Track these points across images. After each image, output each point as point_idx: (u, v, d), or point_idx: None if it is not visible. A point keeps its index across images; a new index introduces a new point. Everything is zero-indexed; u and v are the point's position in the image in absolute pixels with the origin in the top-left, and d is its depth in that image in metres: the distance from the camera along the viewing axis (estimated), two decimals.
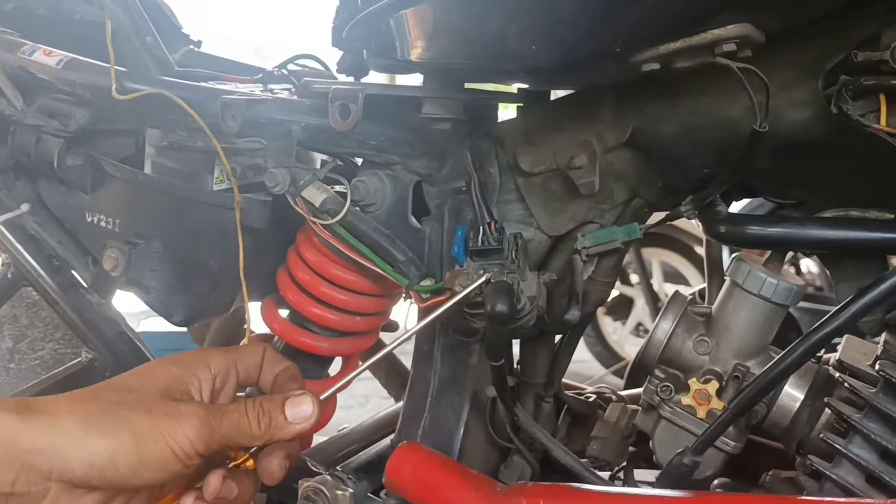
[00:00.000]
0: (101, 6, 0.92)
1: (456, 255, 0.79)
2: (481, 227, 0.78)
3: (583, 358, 3.72)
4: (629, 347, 3.76)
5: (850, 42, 0.69)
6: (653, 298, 3.68)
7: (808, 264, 3.71)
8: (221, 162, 0.90)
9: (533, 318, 0.79)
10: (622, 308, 3.94)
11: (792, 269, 3.67)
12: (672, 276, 3.78)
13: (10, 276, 1.02)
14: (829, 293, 3.27)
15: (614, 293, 3.92)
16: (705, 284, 1.07)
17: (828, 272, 0.82)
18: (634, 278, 3.83)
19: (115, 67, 0.88)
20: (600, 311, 3.78)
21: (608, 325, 3.91)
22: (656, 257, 3.77)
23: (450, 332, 0.90)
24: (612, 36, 0.64)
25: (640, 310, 3.82)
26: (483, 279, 0.75)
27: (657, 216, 0.91)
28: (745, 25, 0.63)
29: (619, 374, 3.23)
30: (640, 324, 3.89)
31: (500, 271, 0.76)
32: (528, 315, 0.78)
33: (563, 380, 1.02)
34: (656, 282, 3.78)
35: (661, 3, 0.63)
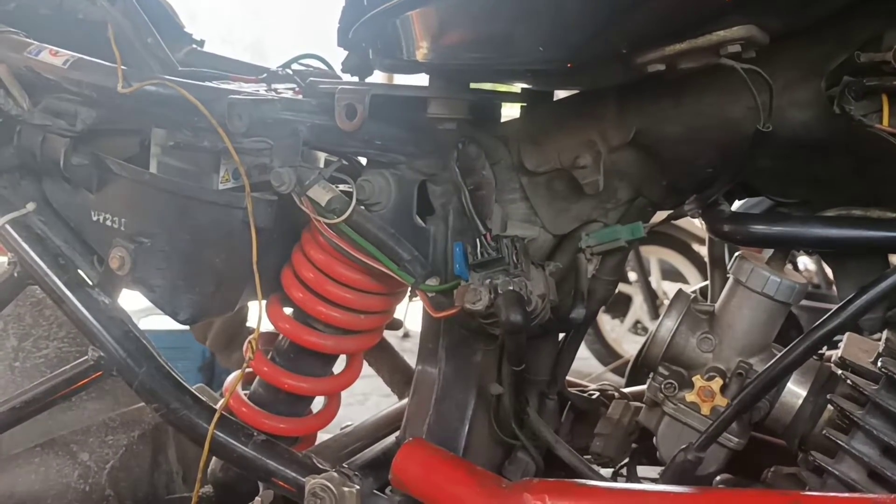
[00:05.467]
0: (102, 8, 0.92)
1: (459, 272, 0.80)
2: (478, 240, 0.79)
3: (581, 355, 3.71)
4: (627, 345, 3.77)
5: (853, 43, 0.70)
6: (651, 296, 3.68)
7: (806, 262, 3.72)
8: (227, 161, 0.91)
9: (547, 313, 0.80)
10: (620, 306, 3.94)
11: (789, 267, 3.68)
12: (670, 273, 3.79)
13: (15, 274, 1.02)
14: (827, 291, 3.28)
15: None
16: (706, 282, 1.07)
17: (829, 270, 0.83)
18: (633, 276, 3.83)
19: (121, 67, 0.89)
20: None
21: (606, 322, 3.92)
22: (654, 255, 3.78)
23: (455, 330, 0.91)
24: (618, 38, 0.65)
25: (639, 307, 3.83)
26: None
27: (661, 215, 0.92)
28: (749, 27, 0.64)
29: (617, 371, 3.24)
30: (638, 321, 3.90)
31: (505, 280, 0.77)
32: (543, 312, 0.79)
33: (566, 378, 1.02)
34: (654, 280, 3.79)
35: (667, 5, 0.63)
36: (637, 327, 3.87)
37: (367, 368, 1.29)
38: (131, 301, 1.04)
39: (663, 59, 0.66)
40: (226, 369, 1.75)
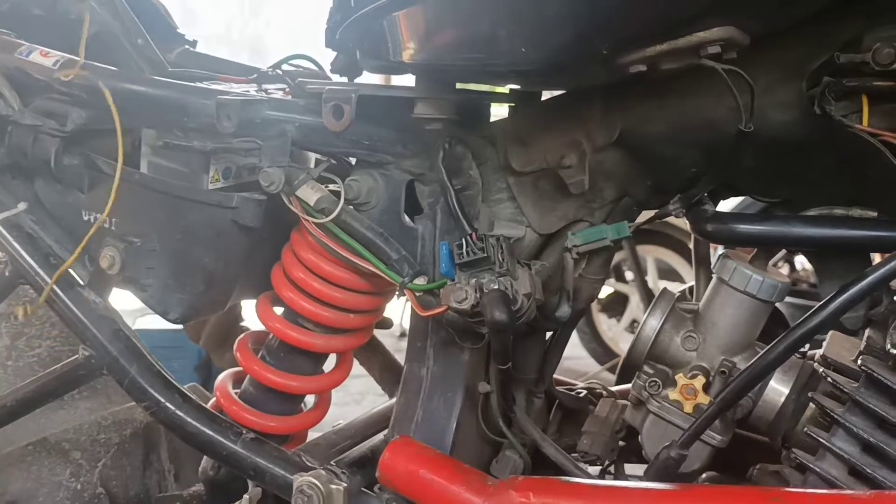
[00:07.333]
0: (91, 9, 0.93)
1: (445, 272, 0.81)
2: (464, 240, 0.80)
3: (578, 355, 3.74)
4: (624, 344, 3.77)
5: (833, 44, 0.71)
6: (647, 295, 3.68)
7: (803, 261, 3.73)
8: (216, 161, 0.91)
9: (533, 312, 0.80)
10: (617, 305, 3.95)
11: (786, 266, 3.69)
12: (667, 272, 3.79)
13: (7, 274, 1.03)
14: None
15: (609, 290, 3.94)
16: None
17: (814, 270, 0.84)
18: (629, 275, 3.84)
19: (109, 67, 0.90)
20: (595, 308, 3.79)
21: (603, 321, 3.93)
22: (651, 254, 3.78)
23: (443, 328, 0.92)
24: (598, 38, 0.66)
25: (635, 307, 3.84)
26: None
27: (647, 214, 0.92)
28: (729, 28, 0.65)
29: (613, 370, 3.25)
30: (634, 321, 3.90)
31: (491, 279, 0.77)
32: (528, 311, 0.79)
33: (555, 376, 1.03)
34: (651, 279, 3.80)
35: (645, 6, 0.64)
36: (634, 326, 3.87)
37: (364, 368, 1.30)
38: (127, 301, 1.05)
39: (644, 59, 0.67)
40: (222, 368, 1.75)
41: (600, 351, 3.78)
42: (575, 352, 3.73)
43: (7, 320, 1.20)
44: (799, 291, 3.39)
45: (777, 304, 0.86)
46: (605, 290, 3.85)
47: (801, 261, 3.79)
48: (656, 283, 3.80)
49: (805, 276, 3.76)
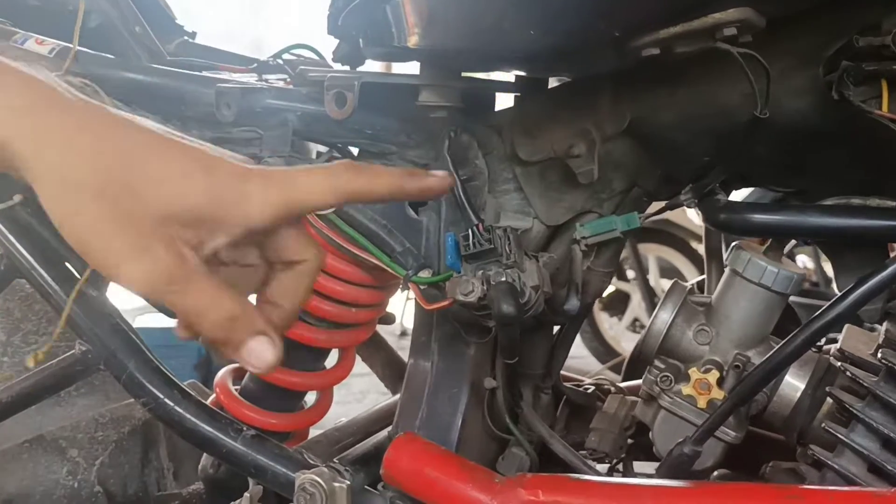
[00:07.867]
0: None
1: (451, 264, 0.79)
2: (470, 230, 0.78)
3: (579, 353, 3.73)
4: (625, 343, 3.77)
5: (851, 28, 0.68)
6: (649, 294, 3.68)
7: (804, 260, 3.71)
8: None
9: (541, 305, 0.78)
10: (618, 304, 3.95)
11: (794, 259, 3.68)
12: (668, 271, 3.78)
13: (2, 268, 1.01)
14: (826, 289, 3.27)
15: (610, 289, 3.93)
16: (703, 277, 1.06)
17: (828, 268, 0.82)
18: (631, 274, 3.83)
19: (106, 55, 0.88)
20: (596, 306, 3.79)
21: (604, 320, 3.92)
22: (653, 253, 3.77)
23: (448, 322, 0.90)
24: (611, 20, 0.64)
25: (637, 305, 3.83)
26: None
27: (657, 206, 0.90)
28: (745, 10, 0.63)
29: (615, 369, 3.24)
30: (636, 319, 3.90)
31: (498, 271, 0.75)
32: (536, 304, 0.77)
33: (562, 372, 1.01)
34: (653, 277, 3.79)
35: None
36: (635, 325, 3.87)
37: (365, 366, 1.28)
38: (127, 299, 1.03)
39: (658, 42, 0.65)
40: (221, 366, 1.74)
41: (602, 350, 3.77)
42: (576, 350, 3.72)
43: (3, 316, 1.18)
44: (801, 290, 3.38)
45: None
46: (607, 289, 3.85)
47: (802, 259, 3.77)
48: (658, 282, 3.80)
49: (808, 274, 3.74)
